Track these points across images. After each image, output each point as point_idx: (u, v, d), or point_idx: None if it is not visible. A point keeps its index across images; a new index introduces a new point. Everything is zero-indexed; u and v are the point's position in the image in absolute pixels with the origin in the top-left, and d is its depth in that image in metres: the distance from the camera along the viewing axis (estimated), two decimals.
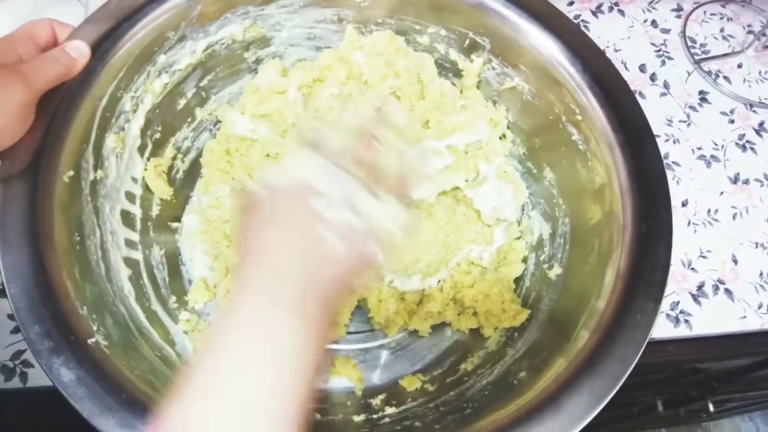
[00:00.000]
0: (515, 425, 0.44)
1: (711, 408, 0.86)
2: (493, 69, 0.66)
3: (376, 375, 0.61)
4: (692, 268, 0.68)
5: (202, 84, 0.66)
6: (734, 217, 0.72)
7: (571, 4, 0.84)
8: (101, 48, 0.53)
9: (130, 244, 0.59)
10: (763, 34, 0.82)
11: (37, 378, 0.55)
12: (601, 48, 0.73)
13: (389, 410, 0.57)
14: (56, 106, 0.50)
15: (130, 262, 0.57)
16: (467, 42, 0.66)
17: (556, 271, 0.61)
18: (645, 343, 0.46)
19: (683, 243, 0.69)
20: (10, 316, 0.56)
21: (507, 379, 0.53)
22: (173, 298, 0.61)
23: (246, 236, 0.41)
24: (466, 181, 0.66)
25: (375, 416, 0.56)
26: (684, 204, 0.72)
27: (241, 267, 0.39)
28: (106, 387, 0.41)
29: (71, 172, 0.51)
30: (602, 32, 0.82)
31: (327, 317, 0.38)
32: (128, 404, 0.41)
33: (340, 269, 0.40)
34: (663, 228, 0.52)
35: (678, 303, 0.66)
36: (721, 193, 0.73)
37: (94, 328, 0.45)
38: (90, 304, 0.47)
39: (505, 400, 0.47)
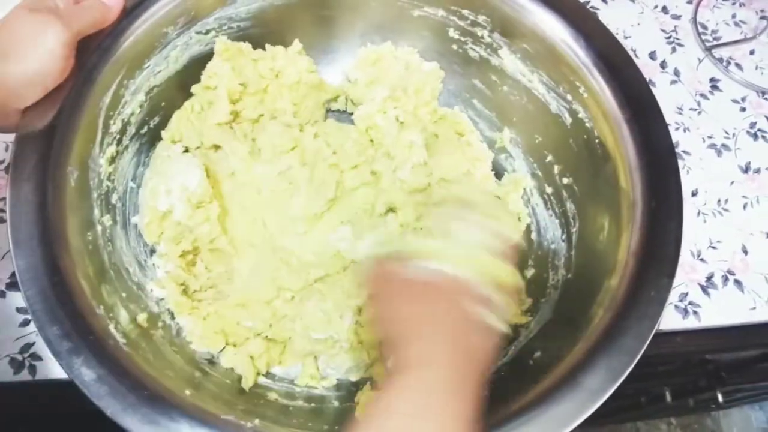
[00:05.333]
0: (535, 405, 0.43)
1: (720, 398, 0.85)
2: None
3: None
4: (701, 259, 0.67)
5: None
6: (745, 206, 0.71)
7: None
8: (101, 46, 0.53)
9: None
10: None
11: (46, 370, 0.55)
12: None
13: None
14: (64, 101, 0.50)
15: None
16: (468, 21, 0.65)
17: None
18: (660, 318, 0.46)
19: (692, 233, 0.68)
20: (19, 309, 0.57)
21: (523, 360, 0.53)
22: None
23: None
24: None
25: None
26: (694, 194, 0.71)
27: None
28: (127, 384, 0.41)
29: (78, 172, 0.50)
30: (612, 18, 0.81)
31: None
32: (150, 400, 0.41)
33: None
34: (673, 203, 0.52)
35: (687, 294, 0.65)
36: (732, 182, 0.72)
37: (112, 326, 0.46)
38: (106, 303, 0.47)
39: (522, 380, 0.47)
